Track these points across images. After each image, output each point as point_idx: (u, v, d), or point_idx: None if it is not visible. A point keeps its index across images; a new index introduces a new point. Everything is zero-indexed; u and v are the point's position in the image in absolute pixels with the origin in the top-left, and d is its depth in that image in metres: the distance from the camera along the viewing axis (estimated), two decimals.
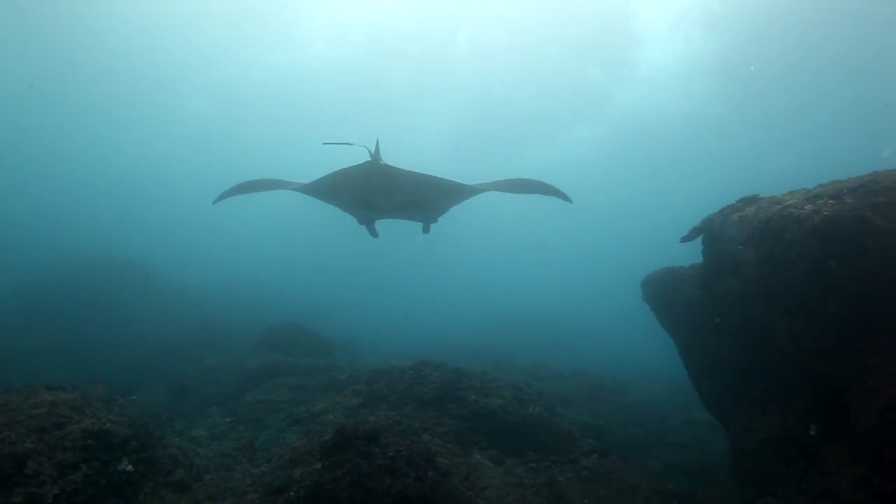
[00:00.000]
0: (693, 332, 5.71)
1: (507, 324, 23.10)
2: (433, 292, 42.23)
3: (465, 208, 6.19)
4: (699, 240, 5.62)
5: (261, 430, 6.68)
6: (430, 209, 5.93)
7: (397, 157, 5.02)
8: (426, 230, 6.53)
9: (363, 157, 4.72)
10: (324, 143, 4.64)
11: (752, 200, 4.81)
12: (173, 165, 38.20)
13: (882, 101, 20.28)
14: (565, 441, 6.03)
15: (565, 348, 17.68)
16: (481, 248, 49.01)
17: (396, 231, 6.97)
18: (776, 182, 5.75)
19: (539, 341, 18.66)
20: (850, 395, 3.48)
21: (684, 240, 5.72)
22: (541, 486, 4.94)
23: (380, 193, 5.35)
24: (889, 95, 20.13)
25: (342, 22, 23.22)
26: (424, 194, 5.49)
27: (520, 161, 31.77)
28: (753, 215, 4.43)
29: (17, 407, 4.03)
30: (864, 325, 3.42)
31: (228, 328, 14.42)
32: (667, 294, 6.38)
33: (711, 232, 5.31)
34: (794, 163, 27.15)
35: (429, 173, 5.09)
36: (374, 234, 6.40)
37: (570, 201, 5.61)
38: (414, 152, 29.76)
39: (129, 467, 4.14)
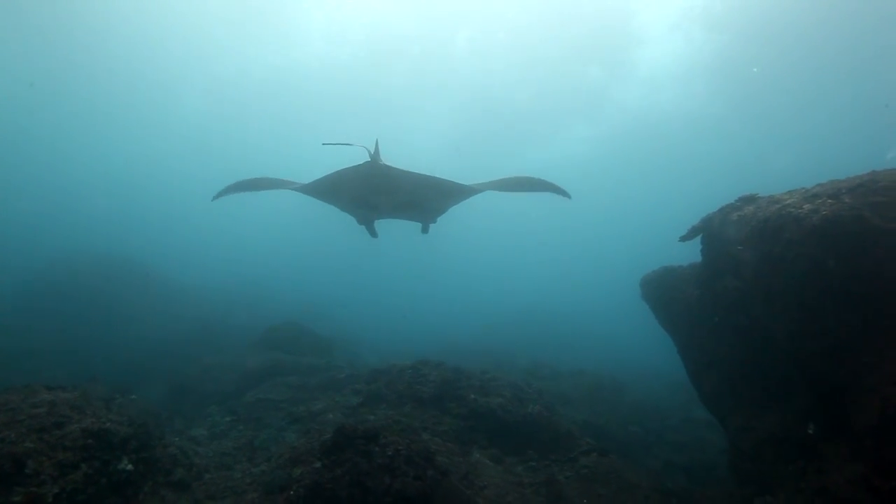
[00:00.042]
0: (692, 332, 5.72)
1: (507, 323, 23.10)
2: (433, 291, 42.22)
3: (464, 208, 6.20)
4: (698, 239, 5.63)
5: (260, 429, 6.69)
6: (429, 209, 5.94)
7: (396, 156, 5.03)
8: (425, 230, 6.54)
9: (363, 158, 4.73)
10: (323, 144, 4.65)
11: (750, 200, 4.82)
12: (173, 165, 38.19)
13: (882, 101, 20.28)
14: (565, 440, 6.04)
15: (565, 347, 17.68)
16: (481, 247, 49.00)
17: (396, 230, 6.98)
18: (776, 181, 5.76)
19: (539, 340, 18.64)
20: (849, 394, 3.48)
21: (683, 239, 5.74)
22: (540, 484, 4.95)
23: (379, 193, 5.36)
24: (889, 94, 20.13)
25: (341, 21, 23.22)
26: (423, 194, 5.50)
27: (519, 160, 31.77)
28: (752, 215, 4.44)
29: (16, 406, 4.03)
30: (863, 324, 3.43)
31: (228, 327, 14.41)
32: (666, 293, 6.39)
33: (710, 231, 5.33)
34: (794, 162, 27.17)
35: (428, 173, 5.10)
36: (373, 234, 6.41)
37: (569, 196, 5.61)
38: (414, 152, 29.75)
39: (129, 466, 4.15)
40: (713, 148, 28.92)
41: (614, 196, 38.11)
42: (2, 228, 33.06)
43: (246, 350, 10.96)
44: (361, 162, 4.76)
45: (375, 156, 4.71)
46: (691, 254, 5.93)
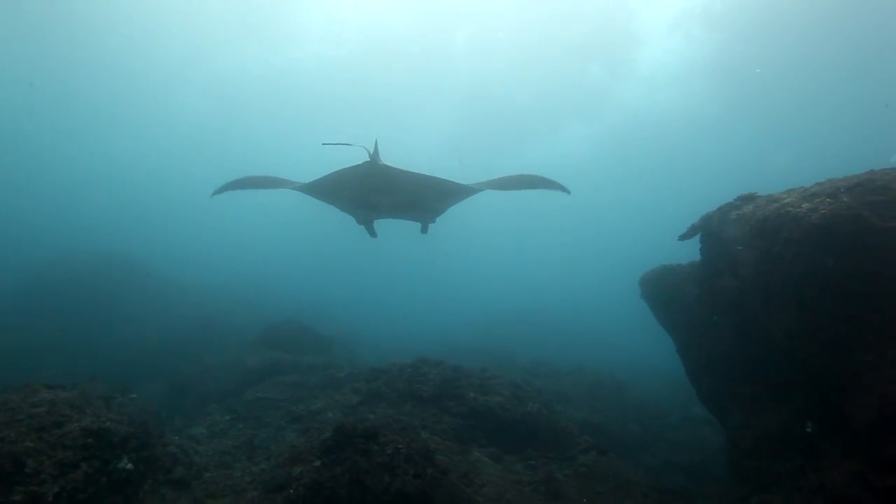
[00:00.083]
0: (691, 330, 5.73)
1: (507, 321, 23.10)
2: (433, 290, 42.25)
3: (463, 206, 6.20)
4: (697, 238, 5.64)
5: (260, 427, 6.70)
6: (428, 209, 5.94)
7: (395, 156, 5.03)
8: (424, 230, 6.55)
9: (362, 158, 4.73)
10: (323, 144, 4.65)
11: (749, 199, 4.82)
12: (172, 163, 38.17)
13: (882, 100, 20.28)
14: (564, 438, 6.06)
15: (564, 346, 17.67)
16: (481, 246, 49.04)
17: (396, 229, 6.98)
18: (775, 180, 5.76)
19: (538, 339, 18.66)
20: (847, 393, 3.50)
21: (682, 238, 5.74)
22: (539, 482, 4.97)
23: (378, 193, 5.36)
24: (889, 93, 20.13)
25: (340, 21, 23.17)
26: (423, 194, 5.50)
27: (519, 160, 31.76)
28: (751, 214, 4.45)
29: (16, 406, 4.04)
30: (861, 323, 3.44)
31: (228, 326, 14.41)
32: (665, 292, 6.40)
33: (709, 230, 5.33)
34: (794, 161, 27.17)
35: (427, 173, 5.10)
36: (372, 234, 6.41)
37: (568, 192, 5.58)
38: (413, 150, 29.75)
39: (129, 465, 4.16)
40: (713, 147, 28.92)
41: (614, 195, 38.11)
42: (1, 227, 33.06)
43: (245, 349, 10.97)
44: (361, 162, 4.76)
45: (375, 156, 4.71)
46: (690, 253, 5.94)
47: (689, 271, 6.14)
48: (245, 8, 22.01)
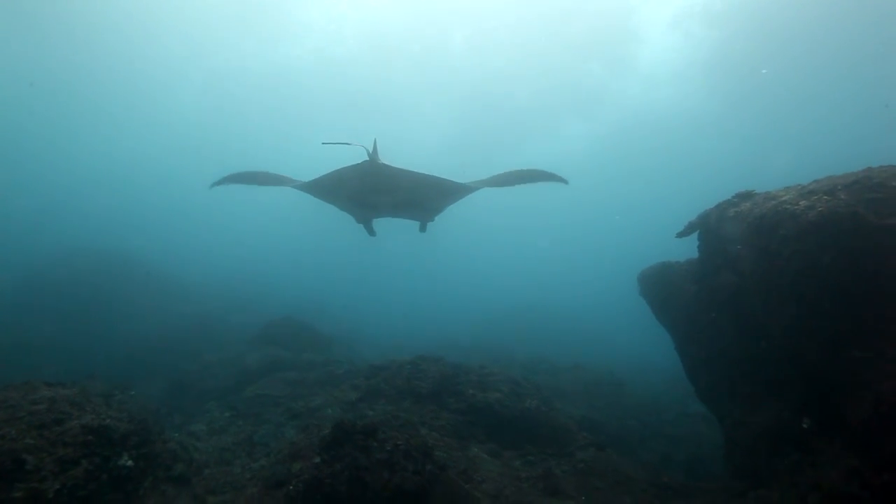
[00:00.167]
0: (689, 327, 5.75)
1: (506, 319, 23.12)
2: (432, 287, 42.28)
3: (462, 204, 6.21)
4: (695, 235, 5.65)
5: (259, 424, 6.72)
6: (427, 208, 5.95)
7: (394, 154, 5.04)
8: (423, 229, 6.55)
9: (361, 156, 4.73)
10: (323, 143, 4.65)
11: (747, 196, 4.83)
12: (171, 161, 38.07)
13: (882, 98, 20.26)
14: (562, 434, 6.08)
15: (563, 343, 17.69)
16: (480, 243, 49.04)
17: (396, 227, 6.99)
18: (774, 178, 5.78)
19: (537, 336, 18.67)
20: (843, 390, 3.52)
21: (680, 235, 5.76)
22: (537, 478, 4.99)
23: (377, 193, 5.36)
24: (889, 92, 20.11)
25: (339, 18, 23.10)
26: (422, 193, 5.50)
27: (518, 157, 31.69)
28: (749, 211, 4.46)
29: (16, 403, 4.05)
30: (858, 320, 3.46)
31: (227, 323, 14.43)
32: (664, 289, 6.42)
33: (707, 227, 5.34)
34: (794, 159, 27.18)
35: (426, 172, 5.10)
36: (371, 232, 6.41)
37: (566, 182, 5.55)
38: (412, 148, 29.69)
39: (130, 462, 4.17)
40: (712, 144, 28.92)
41: (613, 192, 38.11)
42: (1, 225, 32.99)
43: (245, 346, 10.99)
44: (360, 161, 4.76)
45: (374, 155, 4.71)
46: (689, 250, 5.95)
47: (687, 268, 6.16)
48: (244, 4, 21.94)
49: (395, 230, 7.41)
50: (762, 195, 4.57)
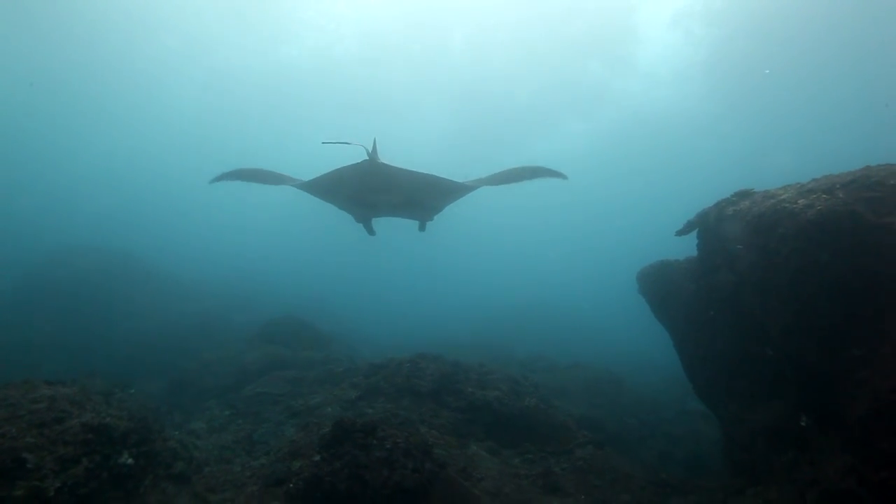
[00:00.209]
0: (688, 325, 5.76)
1: (505, 317, 23.12)
2: (432, 285, 42.32)
3: (462, 203, 6.21)
4: (694, 233, 5.66)
5: (259, 422, 6.73)
6: (427, 208, 5.95)
7: (393, 153, 5.04)
8: (422, 228, 6.55)
9: (361, 156, 4.73)
10: (323, 143, 4.64)
11: (746, 195, 4.84)
12: (170, 159, 38.07)
13: (881, 97, 20.26)
14: (561, 432, 6.10)
15: (562, 341, 17.70)
16: (479, 242, 49.06)
17: (395, 225, 6.99)
18: (773, 177, 5.78)
19: (537, 334, 18.68)
20: (841, 387, 3.53)
21: (679, 233, 5.75)
22: (537, 476, 5.01)
23: (377, 192, 5.36)
24: (889, 92, 20.11)
25: (337, 16, 23.07)
26: (422, 193, 5.50)
27: (518, 156, 31.64)
28: (747, 209, 4.46)
29: (16, 402, 4.05)
30: (855, 318, 3.47)
31: (227, 322, 14.43)
32: (662, 287, 6.43)
33: (706, 226, 5.35)
34: (793, 158, 27.19)
35: (425, 171, 5.10)
36: (371, 232, 6.41)
37: (566, 177, 5.52)
38: (411, 147, 29.66)
39: (130, 460, 4.18)
40: (712, 143, 28.93)
41: (612, 191, 38.13)
42: (2, 224, 32.97)
43: (245, 344, 10.98)
44: (359, 160, 4.76)
45: (373, 154, 4.71)
46: (688, 248, 5.96)
47: (685, 267, 6.17)
48: (243, 4, 21.91)
49: (394, 229, 7.42)
50: (761, 194, 4.57)
